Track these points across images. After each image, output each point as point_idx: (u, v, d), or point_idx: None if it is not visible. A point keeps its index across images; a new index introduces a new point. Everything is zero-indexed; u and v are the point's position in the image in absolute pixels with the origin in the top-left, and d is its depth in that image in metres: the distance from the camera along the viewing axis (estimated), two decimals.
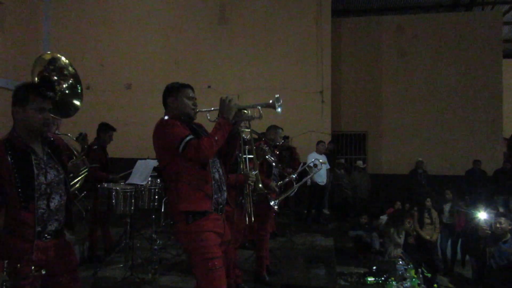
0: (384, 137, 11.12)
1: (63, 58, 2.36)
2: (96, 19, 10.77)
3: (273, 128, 4.77)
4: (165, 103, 2.69)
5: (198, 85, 9.94)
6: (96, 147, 5.06)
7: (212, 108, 2.76)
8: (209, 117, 2.75)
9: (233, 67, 10.21)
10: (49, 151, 2.25)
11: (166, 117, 2.60)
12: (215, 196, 2.54)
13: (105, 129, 5.20)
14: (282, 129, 4.98)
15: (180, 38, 10.47)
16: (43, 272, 2.08)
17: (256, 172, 3.57)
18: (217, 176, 2.60)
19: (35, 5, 10.69)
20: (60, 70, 2.33)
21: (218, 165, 2.66)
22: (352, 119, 11.22)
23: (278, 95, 2.60)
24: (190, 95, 2.64)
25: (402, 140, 10.89)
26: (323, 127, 9.56)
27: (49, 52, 2.32)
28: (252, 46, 10.20)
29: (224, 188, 2.65)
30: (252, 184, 3.47)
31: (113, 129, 5.26)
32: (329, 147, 8.93)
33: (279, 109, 2.59)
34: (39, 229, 2.13)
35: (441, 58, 10.89)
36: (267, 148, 4.32)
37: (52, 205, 2.18)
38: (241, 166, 3.57)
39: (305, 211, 8.16)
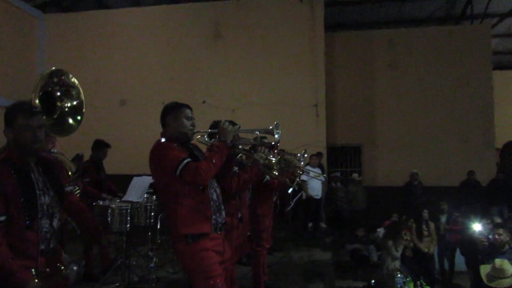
0: (379, 150, 11.17)
1: (71, 77, 2.34)
2: (91, 36, 10.81)
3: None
4: (163, 122, 2.69)
5: (193, 100, 10.11)
6: (88, 164, 5.05)
7: (210, 130, 2.78)
8: (206, 139, 2.76)
9: (227, 82, 10.26)
10: (41, 170, 2.23)
11: (162, 139, 2.60)
12: (214, 216, 2.54)
13: (100, 146, 5.20)
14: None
15: (175, 54, 10.53)
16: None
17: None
18: (215, 196, 2.61)
19: (31, 22, 10.73)
20: (66, 86, 2.31)
21: (216, 185, 2.67)
22: (346, 132, 11.27)
23: (277, 122, 2.65)
24: (189, 115, 2.65)
25: (396, 152, 10.94)
26: (318, 140, 9.59)
27: (54, 68, 2.30)
28: (247, 61, 10.27)
29: (222, 207, 2.65)
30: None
31: (108, 146, 5.25)
32: (317, 159, 8.91)
33: (276, 136, 2.63)
34: (43, 247, 2.13)
35: (433, 70, 11.02)
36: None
37: (55, 224, 2.20)
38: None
39: (302, 225, 8.13)
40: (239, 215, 3.61)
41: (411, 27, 12.41)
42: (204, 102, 10.04)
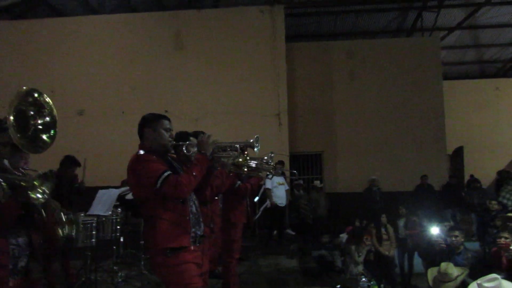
0: (339, 157, 11.49)
1: (46, 97, 2.32)
2: (46, 44, 10.42)
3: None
4: (140, 134, 2.67)
5: (155, 109, 9.80)
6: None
7: (188, 142, 2.78)
8: (185, 151, 2.76)
9: (190, 91, 10.21)
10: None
11: (141, 152, 2.56)
12: (193, 229, 2.54)
13: (69, 163, 5.05)
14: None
15: (136, 63, 10.35)
16: None
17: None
18: (194, 209, 2.61)
19: None
20: (40, 105, 2.28)
21: (194, 197, 2.67)
22: (308, 140, 11.50)
23: (257, 136, 2.69)
24: (167, 126, 2.64)
25: (356, 159, 11.29)
26: (282, 149, 9.71)
27: (25, 87, 2.27)
28: (209, 71, 10.27)
29: (201, 220, 2.66)
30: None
31: (78, 165, 5.11)
32: (278, 167, 9.04)
33: (256, 149, 2.68)
34: (11, 266, 2.07)
35: (388, 80, 11.50)
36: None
37: (21, 240, 2.15)
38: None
39: (267, 234, 8.20)
40: (211, 225, 3.60)
41: (367, 38, 12.92)
42: (166, 111, 9.91)
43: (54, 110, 2.35)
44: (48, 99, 2.31)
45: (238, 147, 2.68)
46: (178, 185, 2.37)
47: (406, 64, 11.52)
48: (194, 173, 2.46)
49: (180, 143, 2.75)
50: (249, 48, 10.29)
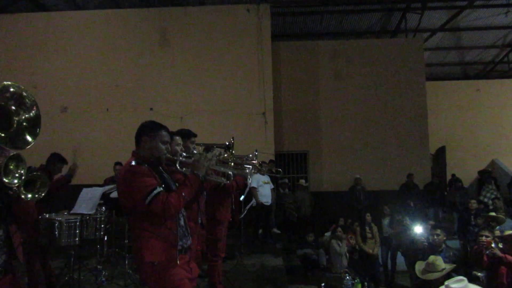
0: (323, 156, 11.55)
1: (24, 89, 2.24)
2: (28, 39, 10.21)
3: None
4: (137, 140, 2.61)
5: (140, 107, 9.97)
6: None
7: (185, 154, 2.78)
8: (178, 167, 2.74)
9: (175, 89, 10.14)
10: None
11: (133, 162, 2.51)
12: (180, 243, 2.53)
13: (56, 160, 4.96)
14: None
15: (120, 59, 10.22)
16: None
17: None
18: (182, 221, 2.62)
19: None
20: (19, 98, 2.20)
21: (182, 210, 2.66)
22: (293, 139, 11.55)
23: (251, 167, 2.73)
24: (165, 139, 2.61)
25: (340, 158, 11.38)
26: (267, 148, 9.74)
27: (5, 82, 2.20)
28: (194, 69, 10.22)
29: (189, 232, 2.66)
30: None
31: (65, 162, 5.03)
32: (270, 165, 9.10)
33: (250, 181, 2.73)
34: None
35: (372, 80, 11.63)
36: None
37: None
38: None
39: (252, 232, 8.20)
40: (199, 220, 3.59)
41: (352, 39, 13.03)
42: (151, 109, 9.86)
43: (35, 101, 2.28)
44: (26, 93, 2.23)
45: (232, 174, 2.73)
46: (166, 205, 2.36)
47: (390, 64, 11.66)
48: (183, 194, 2.45)
49: (175, 158, 2.74)
50: (235, 46, 10.27)
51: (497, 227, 6.46)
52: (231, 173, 2.73)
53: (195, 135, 3.88)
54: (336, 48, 11.83)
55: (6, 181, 2.08)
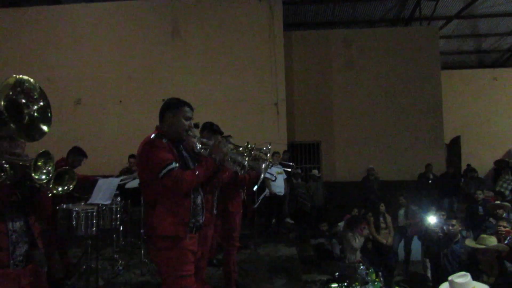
0: (336, 146, 11.50)
1: (31, 80, 2.28)
2: (42, 32, 10.32)
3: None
4: (161, 117, 2.66)
5: (152, 98, 10.01)
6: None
7: (207, 142, 2.79)
8: (198, 147, 2.76)
9: (187, 80, 10.15)
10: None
11: (152, 136, 2.55)
12: (193, 220, 2.55)
13: (76, 153, 5.06)
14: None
15: (132, 51, 10.27)
16: None
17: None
18: (198, 200, 2.62)
19: None
20: (28, 92, 2.25)
21: (201, 189, 2.67)
22: (305, 129, 11.51)
23: (270, 142, 2.75)
24: (188, 115, 2.63)
25: (353, 148, 11.32)
26: (279, 138, 9.72)
27: (14, 75, 2.24)
28: (206, 59, 10.21)
29: (204, 210, 2.67)
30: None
31: (85, 156, 5.12)
32: (285, 156, 9.11)
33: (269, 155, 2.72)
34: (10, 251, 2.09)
35: (386, 70, 11.49)
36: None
37: (17, 226, 2.16)
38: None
39: (266, 222, 8.24)
40: (215, 211, 3.61)
41: (365, 27, 12.85)
42: (163, 100, 9.86)
43: (43, 92, 2.32)
44: (32, 80, 2.27)
45: (246, 164, 2.72)
46: (179, 182, 2.38)
47: (404, 53, 11.49)
48: (197, 173, 2.47)
49: (204, 140, 2.76)
50: (247, 36, 10.22)
51: (504, 214, 6.37)
52: (246, 163, 2.71)
53: (221, 133, 3.90)
54: (349, 37, 11.70)
55: (36, 177, 2.13)
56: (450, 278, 3.09)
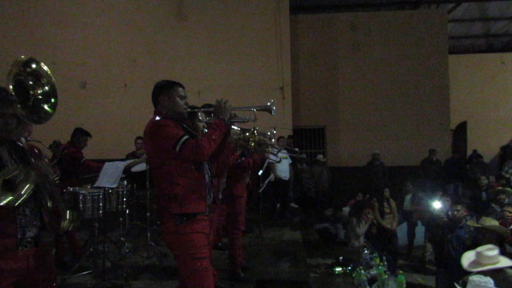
0: (341, 131, 11.46)
1: (42, 65, 2.28)
2: (47, 15, 10.26)
3: None
4: (155, 102, 2.65)
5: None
6: (66, 151, 4.92)
7: (209, 108, 2.75)
8: (200, 118, 2.75)
9: (192, 64, 10.09)
10: (15, 157, 2.17)
11: (158, 117, 2.56)
12: (208, 197, 2.56)
13: (80, 134, 5.09)
14: None
15: (137, 34, 10.20)
16: None
17: None
18: (207, 178, 2.62)
19: None
20: (37, 75, 2.24)
21: (207, 167, 2.67)
22: (311, 114, 11.45)
23: (273, 100, 2.66)
24: (182, 93, 2.63)
25: (358, 133, 11.27)
26: (285, 123, 9.70)
27: (23, 56, 2.23)
28: (211, 43, 10.13)
29: (212, 190, 2.68)
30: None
31: (89, 135, 5.14)
32: (289, 141, 9.10)
33: (273, 113, 2.66)
34: (19, 236, 2.08)
35: (392, 54, 11.35)
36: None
37: (27, 210, 2.14)
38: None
39: (271, 207, 8.28)
40: (220, 196, 3.63)
41: (372, 11, 12.65)
42: None
43: (52, 78, 2.30)
44: (45, 67, 2.26)
45: (255, 111, 2.65)
46: (198, 148, 2.37)
47: (411, 37, 11.34)
48: (213, 137, 2.46)
49: (196, 109, 2.73)
50: (252, 20, 10.11)
51: (506, 200, 6.37)
52: (254, 110, 2.68)
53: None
54: (355, 21, 11.53)
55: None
56: (478, 249, 3.08)
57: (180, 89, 2.63)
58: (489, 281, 3.00)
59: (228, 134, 2.76)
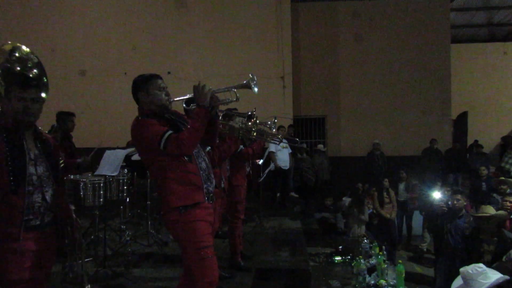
0: (342, 120, 11.43)
1: (23, 47, 2.25)
2: (46, 2, 10.15)
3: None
4: (136, 99, 2.61)
5: (157, 71, 9.59)
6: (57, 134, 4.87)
7: (187, 96, 2.72)
8: (184, 106, 2.72)
9: (193, 52, 10.03)
10: (39, 146, 2.25)
11: (139, 117, 2.53)
12: (205, 185, 2.54)
13: (65, 116, 5.01)
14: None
15: (137, 22, 10.12)
16: None
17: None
18: (204, 165, 2.59)
19: None
20: (23, 60, 2.22)
21: (204, 154, 2.65)
22: (311, 103, 11.41)
23: (252, 75, 2.59)
24: (161, 85, 2.56)
25: (359, 123, 11.25)
26: (285, 112, 9.66)
27: (9, 42, 2.21)
28: (212, 31, 10.05)
29: (212, 176, 2.66)
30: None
31: (73, 114, 5.08)
32: (289, 131, 9.08)
33: (255, 89, 2.59)
34: (38, 222, 2.15)
35: (394, 43, 11.27)
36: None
37: (47, 197, 2.20)
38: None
39: (271, 196, 8.30)
40: (222, 185, 3.63)
41: None
42: (169, 73, 9.79)
43: (36, 58, 2.27)
44: (24, 47, 2.23)
45: (235, 91, 2.60)
46: (180, 142, 2.36)
47: (413, 26, 11.24)
48: (193, 127, 2.42)
49: (176, 99, 2.69)
50: (253, 8, 10.02)
51: (508, 190, 6.37)
52: (235, 90, 2.62)
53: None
54: (356, 9, 11.42)
55: None
56: (462, 270, 3.02)
57: (159, 81, 2.56)
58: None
59: (215, 118, 2.66)
